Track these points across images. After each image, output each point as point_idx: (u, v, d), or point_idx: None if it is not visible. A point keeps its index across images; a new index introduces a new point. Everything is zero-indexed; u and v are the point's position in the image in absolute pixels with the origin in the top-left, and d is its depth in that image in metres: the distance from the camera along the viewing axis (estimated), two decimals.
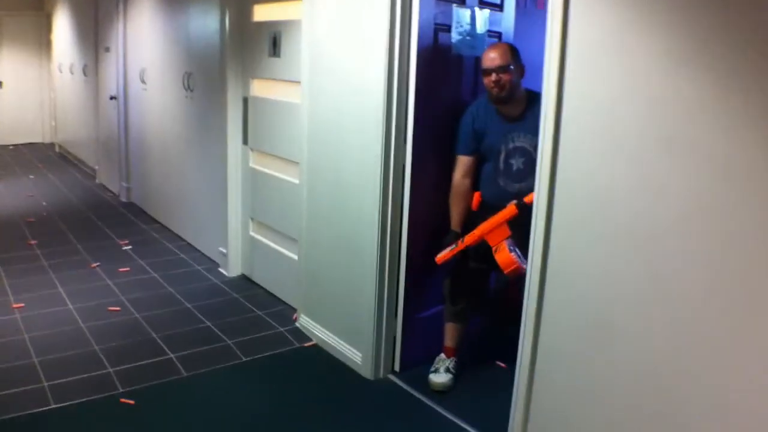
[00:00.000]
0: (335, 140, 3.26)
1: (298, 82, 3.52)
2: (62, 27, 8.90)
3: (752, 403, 1.79)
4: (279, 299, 4.07)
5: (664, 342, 1.97)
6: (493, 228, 2.84)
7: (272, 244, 4.15)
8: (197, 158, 4.90)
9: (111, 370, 3.13)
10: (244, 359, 3.32)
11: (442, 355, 3.15)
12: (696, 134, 1.84)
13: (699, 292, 1.88)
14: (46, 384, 2.98)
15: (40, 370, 3.10)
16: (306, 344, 3.51)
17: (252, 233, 4.35)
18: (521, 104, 2.90)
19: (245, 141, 4.25)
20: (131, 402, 2.87)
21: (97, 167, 7.57)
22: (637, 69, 1.97)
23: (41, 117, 10.24)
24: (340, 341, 3.36)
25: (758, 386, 1.77)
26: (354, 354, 3.25)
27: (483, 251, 2.89)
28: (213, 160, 4.52)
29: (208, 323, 3.71)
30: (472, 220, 2.99)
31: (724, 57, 1.77)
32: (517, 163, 2.90)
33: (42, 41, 10.03)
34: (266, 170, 4.12)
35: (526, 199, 2.73)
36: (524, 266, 2.65)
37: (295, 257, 3.77)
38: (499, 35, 3.35)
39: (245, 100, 4.20)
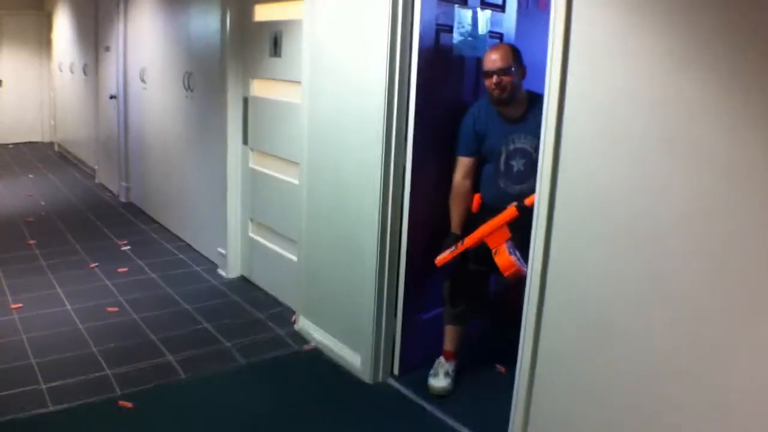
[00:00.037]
0: (335, 140, 3.25)
1: (299, 83, 3.50)
2: (62, 26, 8.89)
3: (752, 404, 1.79)
4: (278, 301, 4.06)
5: (664, 342, 1.97)
6: (493, 230, 2.82)
7: (272, 246, 4.14)
8: (197, 158, 4.89)
9: (109, 372, 3.12)
10: (243, 362, 3.30)
11: (442, 359, 3.14)
12: (698, 134, 1.84)
13: (699, 292, 1.87)
14: (44, 386, 2.96)
15: (38, 371, 3.08)
16: (305, 347, 3.49)
17: (251, 234, 4.34)
18: (522, 106, 2.88)
19: (245, 141, 4.24)
20: (130, 405, 2.85)
21: (96, 167, 7.56)
22: (640, 70, 1.97)
23: (41, 116, 10.23)
24: (339, 344, 3.34)
25: (758, 386, 1.77)
26: (353, 357, 3.24)
27: (483, 253, 2.87)
28: (213, 161, 4.51)
29: (207, 325, 3.69)
30: (472, 222, 2.97)
31: (725, 57, 1.76)
32: (517, 164, 2.88)
33: (42, 40, 10.03)
34: (266, 171, 4.11)
35: (527, 202, 2.71)
36: (524, 269, 2.64)
37: (295, 259, 3.76)
38: (500, 36, 3.34)
39: (245, 100, 4.18)
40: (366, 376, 3.17)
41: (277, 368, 3.29)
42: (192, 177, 5.00)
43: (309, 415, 2.89)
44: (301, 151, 3.50)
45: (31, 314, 3.71)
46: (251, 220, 4.33)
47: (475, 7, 3.13)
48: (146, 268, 4.56)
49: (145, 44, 5.75)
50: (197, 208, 4.94)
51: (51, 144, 9.95)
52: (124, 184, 6.56)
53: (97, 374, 3.10)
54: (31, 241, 5.05)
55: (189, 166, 5.05)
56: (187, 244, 5.12)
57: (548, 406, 2.37)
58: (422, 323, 3.25)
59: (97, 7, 7.04)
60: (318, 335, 3.49)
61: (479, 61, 3.06)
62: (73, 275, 4.36)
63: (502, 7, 3.34)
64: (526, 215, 2.62)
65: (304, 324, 3.62)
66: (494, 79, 2.79)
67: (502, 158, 2.91)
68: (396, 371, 3.21)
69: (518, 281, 2.71)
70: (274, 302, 4.06)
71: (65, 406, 2.82)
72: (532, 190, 2.44)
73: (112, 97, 6.56)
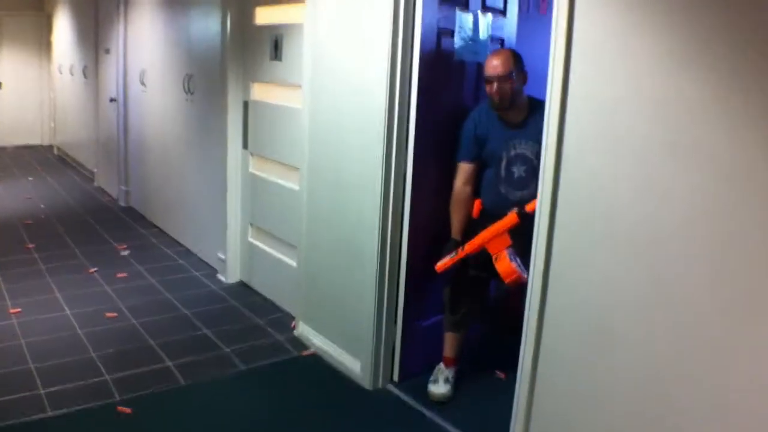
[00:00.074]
0: (336, 140, 3.24)
1: (299, 86, 3.49)
2: (62, 28, 8.88)
3: (754, 409, 1.78)
4: (277, 306, 4.05)
5: (666, 347, 1.96)
6: (493, 236, 2.81)
7: (271, 251, 4.12)
8: (196, 162, 4.87)
9: (108, 377, 3.11)
10: (242, 367, 3.29)
11: (442, 365, 3.12)
12: (699, 135, 1.83)
13: (701, 296, 1.87)
14: (42, 391, 2.95)
15: (36, 376, 3.07)
16: (304, 352, 3.48)
17: (251, 239, 4.32)
18: (523, 111, 2.87)
19: (245, 145, 4.23)
20: (128, 410, 2.84)
21: (95, 170, 7.55)
22: (641, 71, 1.96)
23: (40, 118, 10.21)
24: (338, 349, 3.33)
25: (760, 389, 1.76)
26: (353, 363, 3.22)
27: (483, 260, 2.86)
28: (212, 165, 4.50)
29: (206, 331, 3.68)
30: (472, 228, 2.96)
31: (725, 57, 1.76)
32: (518, 170, 2.87)
33: (42, 42, 10.01)
34: (266, 175, 4.10)
35: (528, 208, 2.70)
36: (525, 275, 2.63)
37: (294, 264, 3.75)
38: (501, 41, 3.33)
39: (245, 104, 4.17)
40: (366, 382, 3.15)
41: (277, 374, 3.27)
42: (192, 181, 4.99)
43: (308, 421, 2.88)
44: (301, 154, 3.49)
45: (29, 319, 3.70)
46: (251, 224, 4.32)
47: (477, 12, 3.12)
48: (145, 273, 4.55)
49: (146, 47, 5.74)
50: (197, 212, 4.92)
51: (50, 147, 9.93)
52: (123, 187, 6.54)
53: (96, 379, 3.08)
54: (30, 245, 5.04)
55: (189, 170, 5.04)
56: (187, 249, 5.11)
57: (549, 410, 2.36)
58: (422, 329, 3.24)
59: (97, 8, 7.03)
60: (317, 341, 3.48)
61: (480, 65, 3.05)
62: (72, 280, 4.34)
63: (503, 12, 3.34)
64: (527, 222, 2.60)
65: (303, 329, 3.60)
66: (495, 85, 2.78)
67: (503, 164, 2.90)
68: (396, 377, 3.20)
69: (518, 288, 2.70)
70: (274, 308, 4.04)
71: (64, 411, 2.80)
72: (533, 197, 2.43)
73: (112, 100, 6.55)
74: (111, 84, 6.63)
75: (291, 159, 3.74)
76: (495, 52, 2.93)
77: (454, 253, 2.91)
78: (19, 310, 3.80)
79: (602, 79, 2.07)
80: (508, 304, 3.40)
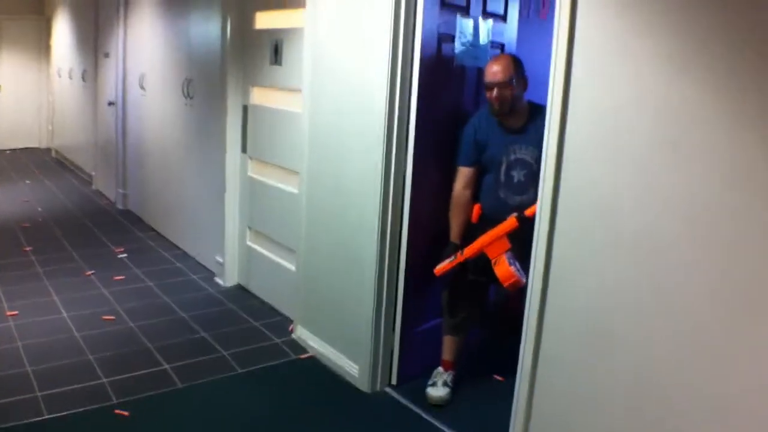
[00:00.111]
0: (336, 143, 3.24)
1: (299, 91, 3.50)
2: (62, 31, 8.89)
3: (754, 414, 1.78)
4: (275, 310, 4.04)
5: (664, 351, 1.97)
6: (492, 240, 2.81)
7: (269, 254, 4.12)
8: (195, 166, 4.87)
9: (105, 380, 3.09)
10: (240, 371, 3.28)
11: (440, 369, 3.12)
12: (699, 138, 1.84)
13: (701, 301, 1.87)
14: (39, 394, 2.93)
15: (33, 379, 3.06)
16: (302, 356, 3.47)
17: (249, 243, 4.32)
18: (523, 117, 2.88)
19: (244, 149, 4.23)
20: (126, 413, 2.83)
21: (93, 173, 7.54)
22: (641, 72, 1.97)
23: (39, 122, 10.21)
24: (337, 353, 3.32)
25: (760, 395, 1.76)
26: (351, 366, 3.22)
27: (482, 264, 2.86)
28: (211, 168, 4.50)
29: (204, 334, 3.67)
30: (471, 232, 2.96)
31: (723, 57, 1.77)
32: (518, 175, 2.88)
33: (41, 45, 10.02)
34: (264, 179, 4.10)
35: (527, 213, 2.71)
36: (524, 279, 2.64)
37: (293, 268, 3.74)
38: (502, 46, 3.34)
39: (245, 108, 4.18)
40: (364, 386, 3.15)
41: (274, 377, 3.27)
42: (190, 185, 4.99)
43: (306, 424, 2.87)
44: (301, 157, 3.49)
45: (27, 321, 3.68)
46: (249, 228, 4.32)
47: (477, 17, 3.13)
48: (143, 276, 4.54)
49: (145, 50, 5.74)
50: (195, 216, 4.92)
51: (48, 150, 9.92)
52: (121, 191, 6.54)
53: (93, 382, 3.07)
54: (28, 248, 5.02)
55: (187, 174, 5.04)
56: (184, 253, 5.10)
57: (548, 412, 2.36)
58: (421, 333, 3.23)
59: (97, 12, 7.03)
60: (315, 344, 3.47)
61: (480, 70, 3.06)
62: (69, 282, 4.33)
63: (503, 17, 3.35)
64: (526, 226, 2.61)
65: (301, 333, 3.60)
66: (495, 91, 2.79)
67: (503, 168, 2.90)
68: (394, 381, 3.19)
69: (517, 292, 2.70)
70: (272, 311, 4.04)
71: (61, 414, 2.79)
72: (533, 201, 2.43)
73: (110, 103, 6.55)
74: (110, 88, 6.63)
75: (290, 163, 3.75)
76: (495, 58, 2.94)
77: (453, 257, 2.91)
78: (16, 312, 3.79)
79: (603, 84, 2.07)
80: (507, 308, 3.40)
